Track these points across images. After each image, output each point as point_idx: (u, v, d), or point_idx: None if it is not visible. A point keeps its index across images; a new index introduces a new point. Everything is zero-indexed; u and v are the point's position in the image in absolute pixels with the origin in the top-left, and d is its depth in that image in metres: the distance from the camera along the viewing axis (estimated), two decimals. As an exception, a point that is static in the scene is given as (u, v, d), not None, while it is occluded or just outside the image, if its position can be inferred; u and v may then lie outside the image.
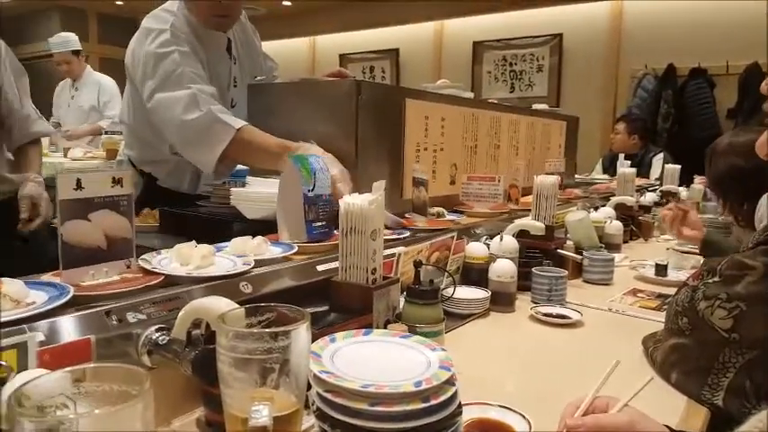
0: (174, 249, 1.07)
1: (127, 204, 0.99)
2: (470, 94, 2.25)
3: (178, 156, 1.83)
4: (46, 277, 0.93)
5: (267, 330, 0.62)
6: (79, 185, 0.92)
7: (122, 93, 2.16)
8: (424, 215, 1.67)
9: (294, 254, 1.21)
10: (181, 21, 1.77)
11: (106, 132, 4.04)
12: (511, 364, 1.13)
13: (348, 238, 1.04)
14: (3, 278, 0.82)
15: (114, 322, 0.80)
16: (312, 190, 1.32)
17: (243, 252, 1.14)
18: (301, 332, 0.62)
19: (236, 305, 0.73)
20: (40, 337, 0.69)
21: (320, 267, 1.16)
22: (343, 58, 7.44)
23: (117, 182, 0.98)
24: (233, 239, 1.18)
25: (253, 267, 1.06)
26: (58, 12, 8.23)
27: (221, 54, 1.91)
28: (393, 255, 1.19)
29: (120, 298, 0.86)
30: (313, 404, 0.70)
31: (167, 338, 0.81)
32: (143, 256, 1.04)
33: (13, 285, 0.81)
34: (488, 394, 0.88)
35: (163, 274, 0.97)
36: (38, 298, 0.82)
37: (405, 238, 1.41)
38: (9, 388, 0.63)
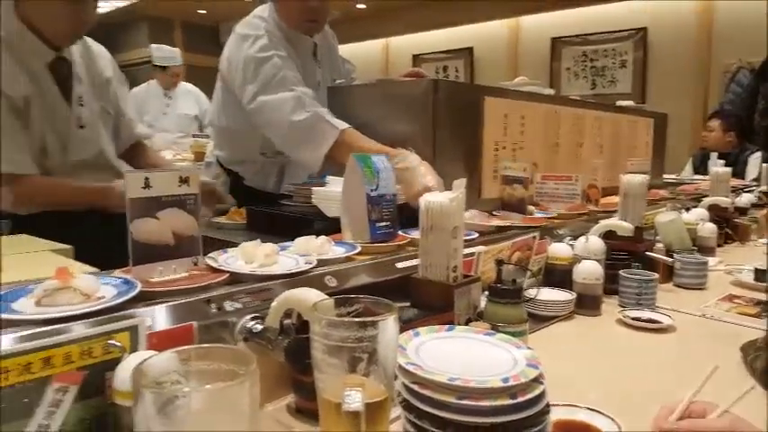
0: (240, 247, 1.09)
1: (193, 203, 1.00)
2: (551, 91, 2.21)
3: (265, 156, 1.96)
4: (118, 272, 0.96)
5: (357, 320, 0.64)
6: (147, 184, 0.95)
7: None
8: (521, 212, 1.65)
9: (357, 254, 1.20)
10: (273, 26, 1.88)
11: (194, 136, 4.24)
12: (598, 368, 1.10)
13: (428, 236, 1.04)
14: (76, 273, 0.86)
15: (214, 310, 0.84)
16: (375, 189, 1.31)
17: (306, 251, 1.14)
18: (389, 323, 0.64)
19: (326, 296, 0.76)
20: (149, 321, 0.74)
21: (400, 265, 1.17)
22: (417, 59, 7.47)
23: (184, 181, 0.99)
24: (297, 239, 1.19)
25: (314, 267, 1.06)
26: (147, 21, 8.73)
27: (309, 58, 2.00)
28: (472, 254, 1.19)
29: (183, 294, 0.88)
30: (399, 395, 0.71)
31: (261, 327, 0.85)
32: (210, 254, 1.07)
33: (85, 280, 0.85)
34: (575, 397, 0.86)
35: (228, 272, 0.99)
36: (107, 292, 0.86)
37: (475, 238, 1.40)
38: (123, 366, 0.69)
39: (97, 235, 1.39)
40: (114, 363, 0.70)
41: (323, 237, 1.20)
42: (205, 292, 0.90)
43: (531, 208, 1.74)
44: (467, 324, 1.03)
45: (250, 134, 1.93)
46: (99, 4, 1.69)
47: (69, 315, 0.76)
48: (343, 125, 1.70)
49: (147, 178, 0.95)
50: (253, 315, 0.87)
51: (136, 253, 0.94)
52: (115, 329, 0.71)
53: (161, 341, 0.75)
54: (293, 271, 1.02)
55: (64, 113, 1.64)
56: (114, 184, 1.61)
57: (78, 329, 0.72)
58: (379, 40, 7.93)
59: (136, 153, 1.96)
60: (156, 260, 0.96)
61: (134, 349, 0.72)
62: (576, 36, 6.12)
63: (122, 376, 0.68)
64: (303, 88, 1.76)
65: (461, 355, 0.77)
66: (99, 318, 0.77)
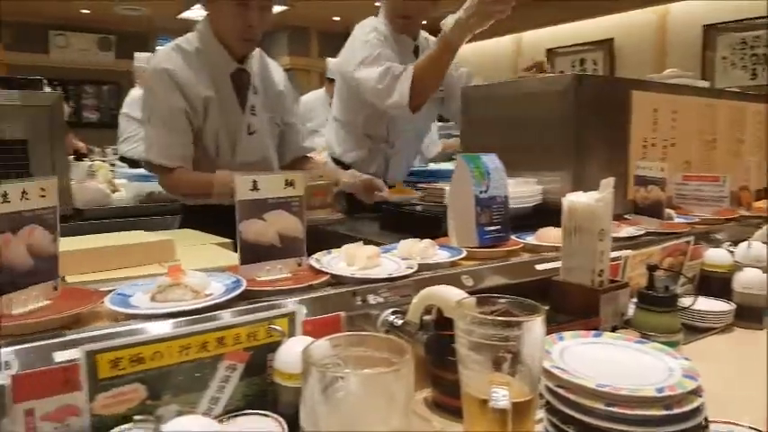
0: (343, 249, 1.11)
1: (298, 205, 1.03)
2: (705, 83, 2.03)
3: (370, 139, 2.25)
4: (229, 271, 1.00)
5: (503, 319, 0.64)
6: (255, 187, 0.99)
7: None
8: (657, 217, 1.54)
9: (462, 259, 1.16)
10: (382, 26, 2.15)
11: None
12: (758, 388, 1.00)
13: (572, 238, 1.01)
14: (188, 270, 0.92)
15: (359, 302, 0.89)
16: (485, 191, 1.24)
17: (409, 255, 1.13)
18: (536, 325, 0.64)
19: (466, 294, 0.77)
20: (304, 309, 0.80)
21: (540, 267, 1.15)
22: (551, 53, 7.19)
23: (290, 184, 1.02)
24: (401, 241, 1.19)
25: (416, 272, 1.05)
26: (287, 31, 9.26)
27: (411, 59, 2.15)
28: (618, 258, 1.13)
29: (284, 294, 0.92)
30: (541, 397, 0.70)
31: (401, 321, 0.88)
32: (315, 255, 1.10)
33: (196, 278, 0.90)
34: (734, 415, 0.79)
35: (329, 273, 1.01)
36: (216, 289, 0.91)
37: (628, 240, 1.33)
38: (284, 349, 0.75)
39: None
40: (275, 345, 0.77)
41: (427, 240, 1.18)
42: (307, 292, 0.93)
43: (669, 212, 1.61)
44: (613, 331, 0.98)
45: (362, 122, 2.22)
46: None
47: (180, 311, 0.82)
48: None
49: (255, 181, 0.99)
50: (393, 309, 0.91)
51: (244, 252, 0.98)
52: (276, 315, 0.78)
53: (314, 328, 0.81)
54: (393, 275, 1.01)
55: (237, 119, 1.82)
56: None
57: (245, 315, 0.79)
58: (510, 36, 7.74)
59: (300, 166, 2.07)
60: (263, 260, 1.00)
61: (292, 334, 0.79)
62: (734, 22, 5.54)
63: (283, 358, 0.74)
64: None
65: (610, 362, 0.74)
66: (211, 313, 0.82)
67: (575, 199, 1.00)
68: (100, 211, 2.25)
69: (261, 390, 0.78)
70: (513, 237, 1.32)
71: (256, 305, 0.86)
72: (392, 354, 0.54)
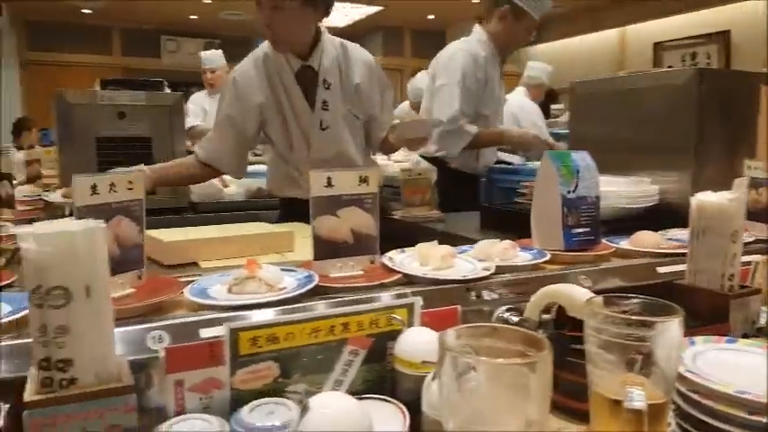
0: (416, 248, 1.09)
1: (372, 202, 1.02)
2: None
3: None
4: (303, 266, 1.02)
5: (636, 318, 0.62)
6: (329, 183, 0.99)
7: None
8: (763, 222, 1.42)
9: (545, 262, 1.11)
10: (480, 47, 2.46)
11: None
12: None
13: (700, 239, 0.96)
14: (263, 264, 0.94)
15: (473, 297, 0.90)
16: (573, 191, 1.18)
17: (488, 256, 1.10)
18: (672, 326, 0.61)
19: (592, 294, 0.75)
20: (421, 301, 0.82)
21: (662, 269, 1.10)
22: (658, 47, 6.81)
23: (363, 180, 1.01)
24: (479, 242, 1.15)
25: (493, 274, 1.01)
26: (381, 31, 9.39)
27: (497, 73, 2.50)
28: (749, 263, 1.06)
29: (354, 291, 0.93)
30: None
31: (517, 318, 0.88)
32: (388, 254, 1.08)
33: (270, 271, 0.92)
34: None
35: (401, 273, 1.00)
36: (289, 284, 0.93)
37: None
38: (404, 337, 0.77)
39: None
40: (395, 334, 0.79)
41: (507, 241, 1.14)
42: (378, 290, 0.94)
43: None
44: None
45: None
46: (324, 17, 1.84)
47: (254, 303, 0.84)
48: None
49: (329, 177, 1.00)
50: (508, 306, 0.90)
51: (317, 248, 0.99)
52: (396, 305, 0.80)
53: (431, 319, 0.82)
54: (467, 277, 0.99)
55: (307, 116, 1.86)
56: None
57: (368, 303, 0.82)
58: (614, 30, 7.41)
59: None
60: (336, 256, 1.01)
61: (410, 324, 0.81)
62: None
63: (403, 346, 0.77)
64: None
65: (748, 370, 0.70)
66: (286, 307, 0.85)
67: (704, 198, 0.95)
68: (213, 205, 2.39)
69: (380, 376, 0.80)
70: (604, 240, 1.25)
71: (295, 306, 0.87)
72: (527, 347, 0.54)
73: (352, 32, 8.79)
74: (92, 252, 0.56)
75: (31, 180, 2.78)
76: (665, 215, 1.44)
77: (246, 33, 9.44)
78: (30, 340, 0.67)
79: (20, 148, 5.10)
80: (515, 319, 0.88)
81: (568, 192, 1.17)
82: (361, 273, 1.02)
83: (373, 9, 8.10)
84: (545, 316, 0.86)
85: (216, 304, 0.85)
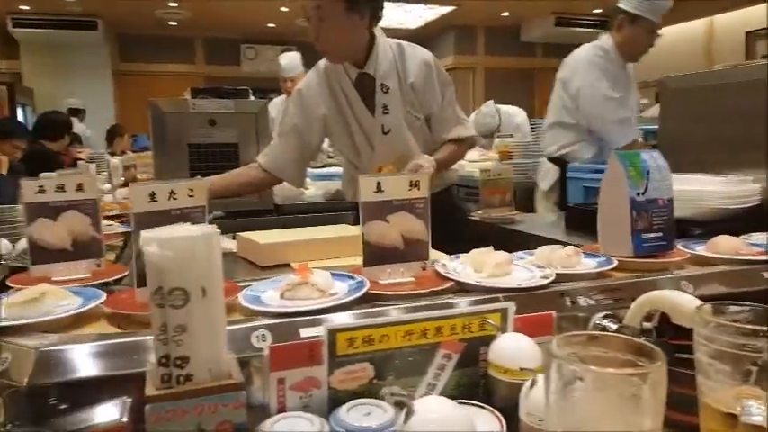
0: (470, 254, 1.06)
1: (423, 207, 1.00)
2: None
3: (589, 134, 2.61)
4: (354, 271, 1.01)
5: (750, 327, 0.59)
6: (379, 188, 0.97)
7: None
8: None
9: (612, 269, 1.05)
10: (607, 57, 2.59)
11: (498, 136, 4.39)
12: None
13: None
14: (314, 269, 0.94)
15: (568, 303, 0.88)
16: (643, 193, 1.11)
17: (549, 262, 1.05)
18: (795, 337, 0.58)
19: (700, 301, 0.72)
20: (514, 306, 0.81)
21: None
22: (750, 36, 6.39)
23: (414, 185, 1.00)
24: (540, 248, 1.10)
25: (553, 282, 0.96)
26: (453, 31, 9.33)
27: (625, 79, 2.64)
28: None
29: (405, 299, 0.91)
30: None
31: (616, 325, 0.85)
32: (441, 260, 1.05)
33: (321, 276, 0.92)
34: None
35: (453, 280, 0.97)
36: (340, 289, 0.92)
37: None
38: (498, 343, 0.77)
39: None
40: (488, 339, 0.79)
41: (570, 247, 1.09)
42: (429, 298, 0.91)
43: None
44: None
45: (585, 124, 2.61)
46: (376, 21, 1.85)
47: (308, 309, 0.84)
48: None
49: (378, 183, 0.98)
50: (606, 313, 0.88)
51: (367, 254, 0.98)
52: (490, 310, 0.80)
53: (525, 325, 0.81)
54: (523, 285, 0.95)
55: (369, 121, 1.88)
56: None
57: (461, 307, 0.83)
58: (700, 21, 7.02)
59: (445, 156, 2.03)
60: (386, 262, 0.99)
61: (503, 330, 0.80)
62: None
63: (499, 352, 0.76)
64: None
65: None
66: (332, 313, 0.83)
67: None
68: (295, 207, 2.46)
69: (472, 381, 0.80)
70: (678, 246, 1.17)
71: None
72: (637, 357, 0.52)
73: (424, 34, 8.81)
74: (208, 256, 0.60)
75: (127, 183, 2.98)
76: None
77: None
78: (142, 338, 0.73)
79: (113, 153, 5.45)
80: (614, 326, 0.86)
81: (638, 194, 1.11)
82: (413, 279, 1.01)
83: (446, 9, 8.06)
84: (646, 324, 0.83)
85: (268, 311, 0.85)
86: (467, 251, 1.22)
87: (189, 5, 7.64)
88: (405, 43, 1.93)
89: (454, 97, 2.05)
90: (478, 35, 9.54)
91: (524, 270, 1.03)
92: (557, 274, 1.00)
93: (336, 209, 2.47)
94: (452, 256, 1.09)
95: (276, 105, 4.80)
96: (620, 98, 2.55)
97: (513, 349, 0.75)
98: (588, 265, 1.07)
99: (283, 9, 7.83)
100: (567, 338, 0.56)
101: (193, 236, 0.59)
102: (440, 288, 0.95)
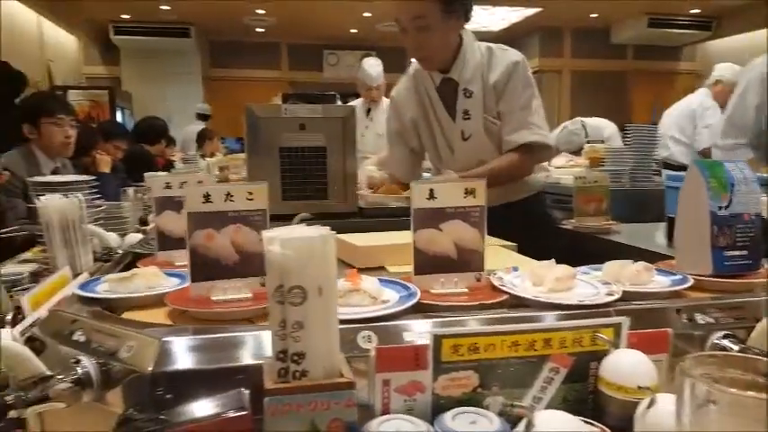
0: (530, 268, 1.00)
1: (478, 216, 0.96)
2: None
3: None
4: (404, 279, 0.99)
5: None
6: (432, 195, 0.95)
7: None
8: None
9: (687, 289, 0.97)
10: None
11: (588, 142, 4.24)
12: None
13: None
14: (362, 276, 0.91)
15: (685, 320, 0.83)
16: (726, 207, 1.02)
17: (617, 278, 0.98)
18: None
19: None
20: (628, 321, 0.77)
21: None
22: None
23: (470, 193, 0.95)
24: (608, 263, 1.03)
25: (618, 300, 0.89)
26: (539, 33, 9.12)
27: None
28: None
29: (454, 311, 0.87)
30: None
31: (737, 347, 0.79)
32: (498, 272, 1.00)
33: (371, 284, 0.89)
34: None
35: (509, 294, 0.92)
36: (391, 297, 0.90)
37: None
38: (612, 358, 0.73)
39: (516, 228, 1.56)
40: (599, 354, 0.75)
41: (642, 263, 1.01)
42: (481, 311, 0.88)
43: None
44: None
45: None
46: (469, 26, 1.86)
47: (360, 317, 0.81)
48: None
49: (431, 189, 0.95)
50: (725, 333, 0.82)
51: (417, 262, 0.96)
52: (602, 324, 0.76)
53: (639, 341, 0.77)
54: (585, 302, 0.88)
55: (450, 127, 1.89)
56: None
57: (572, 320, 0.80)
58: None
59: (510, 161, 1.95)
60: (438, 271, 0.96)
61: (616, 345, 0.76)
62: None
63: (612, 368, 0.73)
64: None
65: None
66: (386, 322, 0.80)
67: None
68: (379, 210, 2.48)
69: (580, 397, 0.77)
70: (766, 265, 1.08)
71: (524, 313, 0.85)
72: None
73: (508, 36, 8.67)
74: (325, 256, 0.61)
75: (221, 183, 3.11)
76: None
77: (400, 43, 9.74)
78: (256, 332, 0.76)
79: (203, 156, 5.72)
80: (735, 347, 0.80)
81: (719, 208, 1.03)
82: (466, 290, 0.97)
83: (532, 10, 7.90)
84: (773, 346, 0.77)
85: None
86: (557, 260, 1.18)
87: (275, 12, 7.91)
88: (495, 46, 1.90)
89: (532, 102, 1.92)
90: (565, 37, 9.28)
91: (588, 286, 0.98)
92: (624, 291, 0.94)
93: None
94: (510, 267, 1.06)
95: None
96: None
97: (628, 366, 0.72)
98: (661, 283, 1.00)
99: (366, 14, 7.95)
100: (699, 358, 0.53)
101: (312, 236, 0.60)
102: (493, 301, 0.92)
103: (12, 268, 1.43)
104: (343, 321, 0.80)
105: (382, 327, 0.80)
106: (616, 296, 0.91)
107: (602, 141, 4.11)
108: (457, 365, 0.73)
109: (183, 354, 0.71)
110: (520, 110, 1.88)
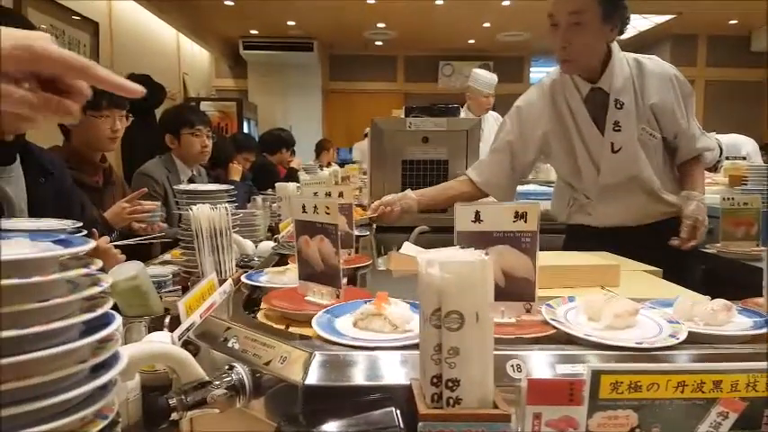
0: (584, 299, 0.90)
1: (530, 242, 0.89)
2: None
3: None
4: None
5: None
6: (478, 218, 0.90)
7: None
8: None
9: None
10: None
11: (727, 158, 3.88)
12: None
13: None
14: (391, 299, 0.86)
15: None
16: None
17: (688, 317, 0.86)
18: None
19: None
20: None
21: None
22: None
23: (520, 216, 0.89)
24: (680, 297, 0.92)
25: (682, 343, 0.79)
26: (670, 39, 8.55)
27: None
28: None
29: (502, 344, 0.78)
30: None
31: None
32: (549, 302, 0.92)
33: (399, 310, 0.84)
34: None
35: (557, 328, 0.83)
36: (415, 325, 0.82)
37: None
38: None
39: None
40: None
41: (720, 301, 0.88)
42: (529, 345, 0.80)
43: None
44: None
45: None
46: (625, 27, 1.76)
47: (375, 346, 0.77)
48: None
49: (477, 212, 0.90)
50: None
51: None
52: (784, 369, 0.68)
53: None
54: (644, 344, 0.78)
55: (597, 139, 1.78)
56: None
57: (742, 363, 0.72)
58: None
59: (686, 171, 1.91)
60: None
61: (798, 394, 0.68)
62: None
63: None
64: None
65: None
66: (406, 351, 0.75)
67: None
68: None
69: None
70: None
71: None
72: None
73: (635, 44, 8.22)
74: (483, 281, 0.59)
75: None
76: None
77: (519, 52, 9.55)
78: (404, 351, 0.75)
79: (321, 165, 5.93)
80: None
81: None
82: (514, 322, 0.90)
83: (663, 18, 7.43)
84: None
85: (339, 341, 0.80)
86: (697, 287, 1.07)
87: (396, 25, 8.06)
88: (644, 59, 1.84)
89: (694, 108, 1.90)
90: (699, 44, 8.63)
91: (651, 324, 0.88)
92: (695, 332, 0.84)
93: (543, 230, 2.40)
94: (567, 297, 0.97)
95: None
96: None
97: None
98: (741, 324, 0.89)
99: (486, 24, 7.87)
100: None
101: (472, 261, 0.59)
102: (541, 335, 0.85)
103: (155, 269, 1.55)
104: (354, 347, 0.77)
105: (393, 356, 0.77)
106: (680, 338, 0.81)
107: (744, 158, 3.75)
108: (616, 403, 0.68)
109: (333, 368, 0.72)
110: (692, 120, 1.87)
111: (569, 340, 0.83)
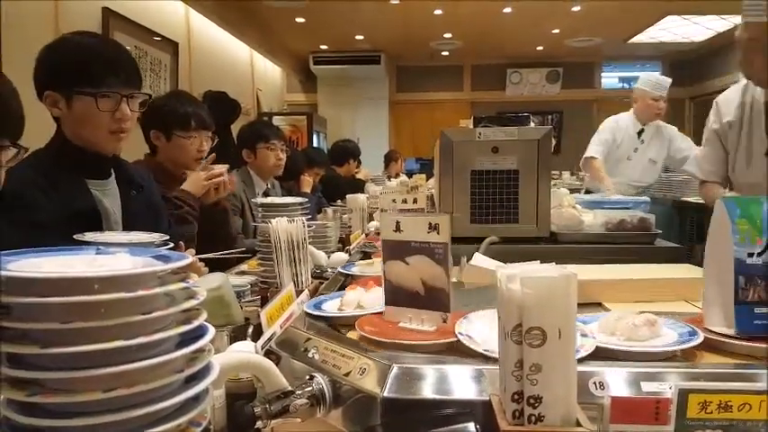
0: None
1: (442, 253, 0.92)
2: None
3: None
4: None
5: None
6: (398, 228, 0.95)
7: None
8: None
9: (695, 347, 0.83)
10: None
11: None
12: None
13: None
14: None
15: None
16: (759, 255, 0.82)
17: (611, 332, 0.87)
18: None
19: None
20: None
21: None
22: None
23: (433, 228, 0.92)
24: (609, 313, 0.93)
25: (585, 358, 0.76)
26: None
27: None
28: None
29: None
30: None
31: None
32: (463, 319, 0.91)
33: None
34: None
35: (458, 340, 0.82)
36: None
37: None
38: None
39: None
40: None
41: (644, 315, 0.85)
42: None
43: None
44: None
45: None
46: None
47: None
48: None
49: (398, 222, 0.95)
50: None
51: (387, 293, 0.98)
52: None
53: None
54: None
55: (758, 138, 1.93)
56: None
57: None
58: None
59: None
60: (406, 305, 0.96)
61: None
62: None
63: None
64: None
65: None
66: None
67: None
68: (572, 236, 2.37)
69: None
70: None
71: None
72: None
73: (708, 46, 7.78)
74: (566, 297, 0.59)
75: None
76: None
77: (588, 58, 9.27)
78: (482, 366, 0.75)
79: (389, 176, 5.98)
80: None
81: (749, 255, 0.84)
82: (433, 329, 0.92)
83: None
84: None
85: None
86: None
87: (462, 35, 8.04)
88: None
89: None
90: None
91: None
92: (606, 348, 0.81)
93: (618, 241, 2.32)
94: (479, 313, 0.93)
95: (612, 126, 4.05)
96: None
97: None
98: (666, 339, 0.85)
99: (554, 31, 7.71)
100: None
101: (554, 276, 0.58)
102: (446, 341, 0.86)
103: (235, 280, 1.61)
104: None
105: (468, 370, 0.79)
106: (584, 353, 0.77)
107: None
108: (704, 423, 0.65)
109: (413, 381, 0.73)
110: None
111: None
